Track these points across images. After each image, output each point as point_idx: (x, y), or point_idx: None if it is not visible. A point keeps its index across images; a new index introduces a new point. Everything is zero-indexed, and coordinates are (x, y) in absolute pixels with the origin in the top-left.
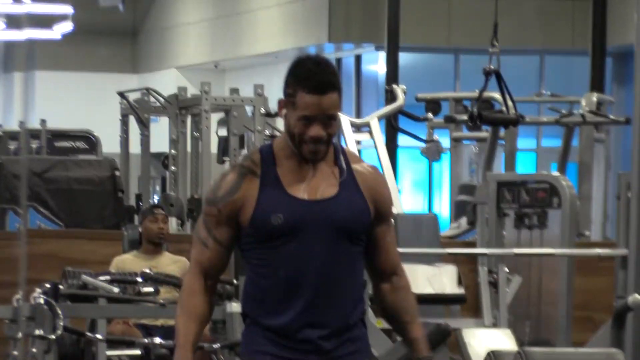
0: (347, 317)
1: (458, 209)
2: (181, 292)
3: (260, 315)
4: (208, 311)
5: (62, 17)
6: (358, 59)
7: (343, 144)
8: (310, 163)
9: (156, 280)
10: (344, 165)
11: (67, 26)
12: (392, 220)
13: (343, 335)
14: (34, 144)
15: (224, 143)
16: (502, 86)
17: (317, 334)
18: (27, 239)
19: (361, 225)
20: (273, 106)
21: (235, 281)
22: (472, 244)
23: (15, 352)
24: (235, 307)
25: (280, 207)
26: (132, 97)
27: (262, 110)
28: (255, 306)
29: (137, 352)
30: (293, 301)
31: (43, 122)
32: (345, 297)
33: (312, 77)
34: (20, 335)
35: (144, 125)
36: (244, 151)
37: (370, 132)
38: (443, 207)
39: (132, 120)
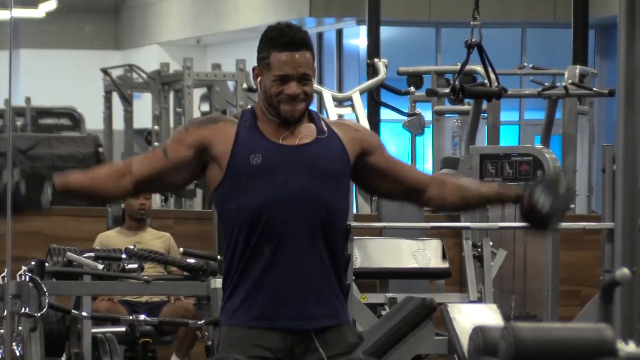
0: (329, 283)
1: None
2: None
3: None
4: (103, 187)
5: None
6: (339, 33)
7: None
8: (289, 125)
9: (140, 256)
10: (323, 126)
11: (50, 4)
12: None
13: (328, 302)
14: (19, 122)
15: None
16: (484, 59)
17: (305, 296)
18: (12, 217)
19: (339, 165)
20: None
21: (219, 257)
22: (456, 218)
23: (1, 330)
24: (218, 283)
25: (260, 148)
26: (115, 73)
27: (244, 85)
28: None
29: (122, 328)
30: (274, 250)
31: (27, 99)
32: (331, 247)
33: (284, 36)
34: (6, 312)
35: (127, 101)
36: None
37: (353, 106)
38: None
39: (115, 97)
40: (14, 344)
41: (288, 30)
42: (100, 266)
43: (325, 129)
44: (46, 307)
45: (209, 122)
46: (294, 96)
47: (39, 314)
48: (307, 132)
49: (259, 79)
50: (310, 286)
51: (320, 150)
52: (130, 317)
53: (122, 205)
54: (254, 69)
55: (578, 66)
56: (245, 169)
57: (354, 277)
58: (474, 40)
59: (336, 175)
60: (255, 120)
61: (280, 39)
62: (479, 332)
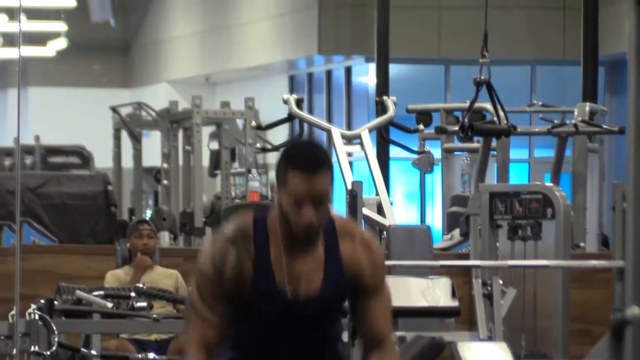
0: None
1: (451, 221)
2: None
3: None
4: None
5: (55, 34)
6: (348, 70)
7: (338, 215)
8: (302, 246)
9: (149, 294)
10: (328, 240)
11: (60, 43)
12: (386, 290)
13: None
14: (28, 160)
15: (215, 156)
16: (493, 96)
17: None
18: (21, 255)
19: (340, 304)
20: (264, 119)
21: None
22: (465, 256)
23: None
24: None
25: (270, 300)
26: (124, 111)
27: (253, 123)
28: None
29: None
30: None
31: (37, 138)
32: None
33: (303, 156)
34: (15, 351)
35: (136, 139)
36: (236, 164)
37: (362, 144)
38: (436, 219)
39: (124, 135)
40: None
41: (307, 150)
42: (110, 304)
43: (331, 245)
44: (55, 345)
45: (226, 261)
46: (309, 225)
47: (48, 353)
48: (315, 262)
49: (276, 195)
50: None
51: (325, 296)
52: (140, 356)
53: (128, 245)
54: (272, 186)
55: (588, 103)
56: (252, 310)
57: None
58: (482, 77)
59: (333, 309)
60: (268, 246)
61: (299, 160)
62: None
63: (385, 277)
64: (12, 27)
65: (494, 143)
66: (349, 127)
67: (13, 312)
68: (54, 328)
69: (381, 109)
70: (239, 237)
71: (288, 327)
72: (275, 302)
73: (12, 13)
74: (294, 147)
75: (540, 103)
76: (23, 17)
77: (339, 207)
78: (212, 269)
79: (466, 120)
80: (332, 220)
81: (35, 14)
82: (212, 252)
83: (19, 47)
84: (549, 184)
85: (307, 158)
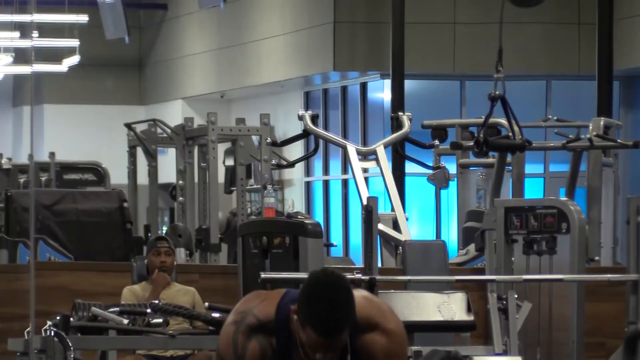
0: None
1: (466, 236)
2: None
3: None
4: None
5: (69, 51)
6: (363, 86)
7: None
8: None
9: (165, 311)
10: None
11: (74, 59)
12: None
13: None
14: (43, 177)
15: (231, 173)
16: (507, 111)
17: None
18: (37, 272)
19: None
20: (279, 135)
21: None
22: (481, 271)
23: None
24: None
25: None
26: (139, 128)
27: (268, 140)
28: None
29: None
30: None
31: (52, 155)
32: None
33: (323, 318)
34: None
35: (151, 156)
36: (251, 181)
37: (377, 160)
38: (451, 234)
39: (139, 152)
40: None
41: (329, 311)
42: (126, 321)
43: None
44: None
45: (244, 344)
46: None
47: None
48: None
49: (295, 317)
50: None
51: None
52: None
53: (146, 261)
54: (292, 309)
55: (602, 118)
56: None
57: None
58: (497, 92)
59: None
60: (289, 342)
61: (319, 323)
62: None
63: None
64: (26, 44)
65: (509, 158)
66: (364, 143)
67: (28, 329)
68: (70, 344)
69: (396, 124)
70: (259, 330)
71: None
72: None
73: (25, 30)
74: (316, 301)
75: (555, 118)
76: (36, 34)
77: (355, 223)
78: (233, 356)
79: (481, 135)
80: (356, 326)
81: (49, 31)
82: (234, 341)
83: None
84: (563, 198)
85: (327, 320)
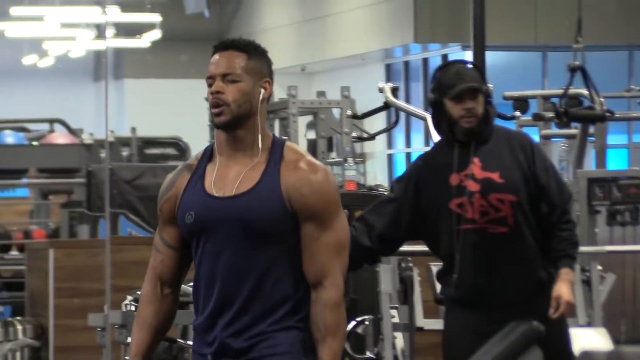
0: (260, 319)
1: None
2: (139, 300)
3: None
4: (163, 320)
5: (149, 26)
6: (444, 58)
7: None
8: (231, 145)
9: None
10: (271, 155)
11: (155, 34)
12: (333, 227)
13: (256, 337)
14: (125, 152)
15: (312, 146)
16: (587, 82)
17: (226, 334)
18: (117, 247)
19: (271, 223)
20: (360, 108)
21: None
22: None
23: None
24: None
25: (194, 204)
26: None
27: (349, 112)
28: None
29: None
30: (208, 301)
31: (133, 129)
32: (259, 298)
33: (219, 43)
34: (107, 343)
35: None
36: (333, 154)
37: None
38: None
39: None
40: None
41: (231, 38)
42: None
43: (275, 159)
44: None
45: (169, 187)
46: (215, 92)
47: None
48: (251, 169)
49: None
50: None
51: (251, 201)
52: None
53: None
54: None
55: None
56: (184, 226)
57: None
58: (576, 63)
59: (269, 234)
60: (208, 161)
61: (216, 45)
62: (586, 357)
63: (337, 211)
64: (104, 19)
65: (591, 129)
66: None
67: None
68: None
69: None
70: (188, 161)
71: (222, 243)
72: (199, 205)
73: (106, 5)
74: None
75: (638, 88)
76: (117, 9)
77: None
78: (160, 199)
79: (561, 106)
80: (282, 144)
81: (129, 5)
82: (163, 184)
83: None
84: None
85: (221, 42)
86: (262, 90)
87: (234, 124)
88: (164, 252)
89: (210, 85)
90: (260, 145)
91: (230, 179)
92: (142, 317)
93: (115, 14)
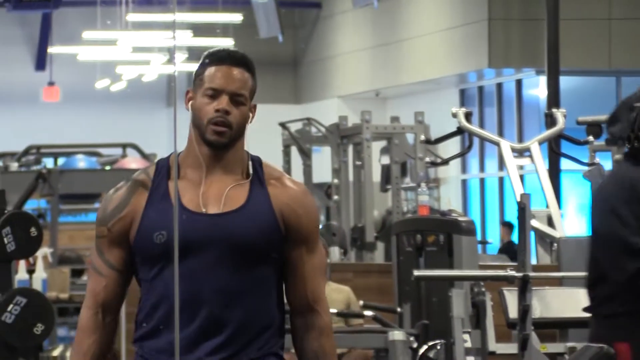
0: (250, 343)
1: None
2: (77, 328)
3: (149, 342)
4: (105, 351)
5: None
6: (519, 83)
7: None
8: (216, 159)
9: None
10: (252, 173)
11: None
12: (319, 249)
13: None
14: None
15: (386, 171)
16: None
17: (215, 359)
18: None
19: (264, 242)
20: (434, 133)
21: (399, 309)
22: None
23: None
24: (397, 335)
25: (165, 223)
26: (294, 127)
27: (422, 137)
28: (145, 334)
29: None
30: (188, 322)
31: None
32: (250, 322)
33: (221, 52)
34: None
35: (306, 155)
36: (407, 179)
37: (531, 157)
38: None
39: (294, 151)
40: None
41: (227, 50)
42: None
43: (257, 177)
44: None
45: (122, 205)
46: (222, 110)
47: None
48: (234, 188)
49: (190, 103)
50: None
51: (243, 218)
52: None
53: None
54: (187, 92)
55: None
56: (147, 247)
57: (533, 327)
58: None
59: (262, 254)
60: (168, 179)
61: (217, 55)
62: None
63: (319, 233)
64: (176, 43)
65: None
66: (520, 140)
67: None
68: None
69: (550, 121)
70: (137, 177)
71: (209, 263)
72: (183, 222)
73: (176, 29)
74: (214, 51)
75: None
76: (189, 33)
77: (511, 220)
78: (109, 218)
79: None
80: (259, 161)
81: (201, 30)
82: (109, 197)
83: (174, 62)
84: None
85: (225, 52)
86: (250, 115)
87: (229, 146)
88: (108, 276)
89: (211, 97)
90: (242, 163)
91: (212, 195)
92: (83, 349)
93: (186, 38)
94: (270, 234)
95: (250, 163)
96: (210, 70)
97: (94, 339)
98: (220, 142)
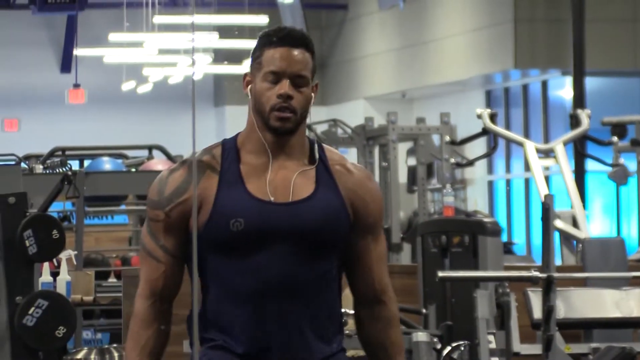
0: (319, 340)
1: None
2: (132, 318)
3: (217, 338)
4: (163, 343)
5: (249, 52)
6: (544, 84)
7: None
8: (280, 145)
9: None
10: (318, 158)
11: None
12: (382, 237)
13: None
14: None
15: (413, 172)
16: None
17: (288, 357)
18: None
19: (336, 234)
20: (461, 134)
21: (424, 310)
22: None
23: None
24: (421, 336)
25: (241, 210)
26: (320, 128)
27: (447, 138)
28: (213, 328)
29: None
30: (251, 324)
31: None
32: (317, 317)
33: (280, 32)
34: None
35: None
36: (433, 180)
37: (556, 158)
38: (631, 231)
39: None
40: None
41: (285, 29)
42: None
43: (321, 162)
44: None
45: (183, 189)
46: (285, 95)
47: None
48: (300, 174)
49: (249, 87)
50: None
51: (314, 208)
52: None
53: None
54: (245, 75)
55: None
56: (223, 235)
57: (557, 328)
58: None
59: (331, 246)
60: (238, 162)
61: (276, 36)
62: None
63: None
64: (207, 45)
65: None
66: (546, 141)
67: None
68: None
69: (575, 122)
70: (203, 159)
71: (277, 255)
72: (250, 210)
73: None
74: (271, 31)
75: None
76: (216, 35)
77: (537, 221)
78: (166, 202)
79: None
80: (320, 145)
81: (227, 31)
82: (164, 178)
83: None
84: None
85: (285, 32)
86: (313, 96)
87: (294, 131)
88: (166, 262)
89: (272, 81)
90: (305, 147)
91: (280, 183)
92: (141, 342)
93: (213, 40)
94: (341, 224)
95: (315, 147)
96: (269, 52)
97: (153, 330)
98: (285, 128)
